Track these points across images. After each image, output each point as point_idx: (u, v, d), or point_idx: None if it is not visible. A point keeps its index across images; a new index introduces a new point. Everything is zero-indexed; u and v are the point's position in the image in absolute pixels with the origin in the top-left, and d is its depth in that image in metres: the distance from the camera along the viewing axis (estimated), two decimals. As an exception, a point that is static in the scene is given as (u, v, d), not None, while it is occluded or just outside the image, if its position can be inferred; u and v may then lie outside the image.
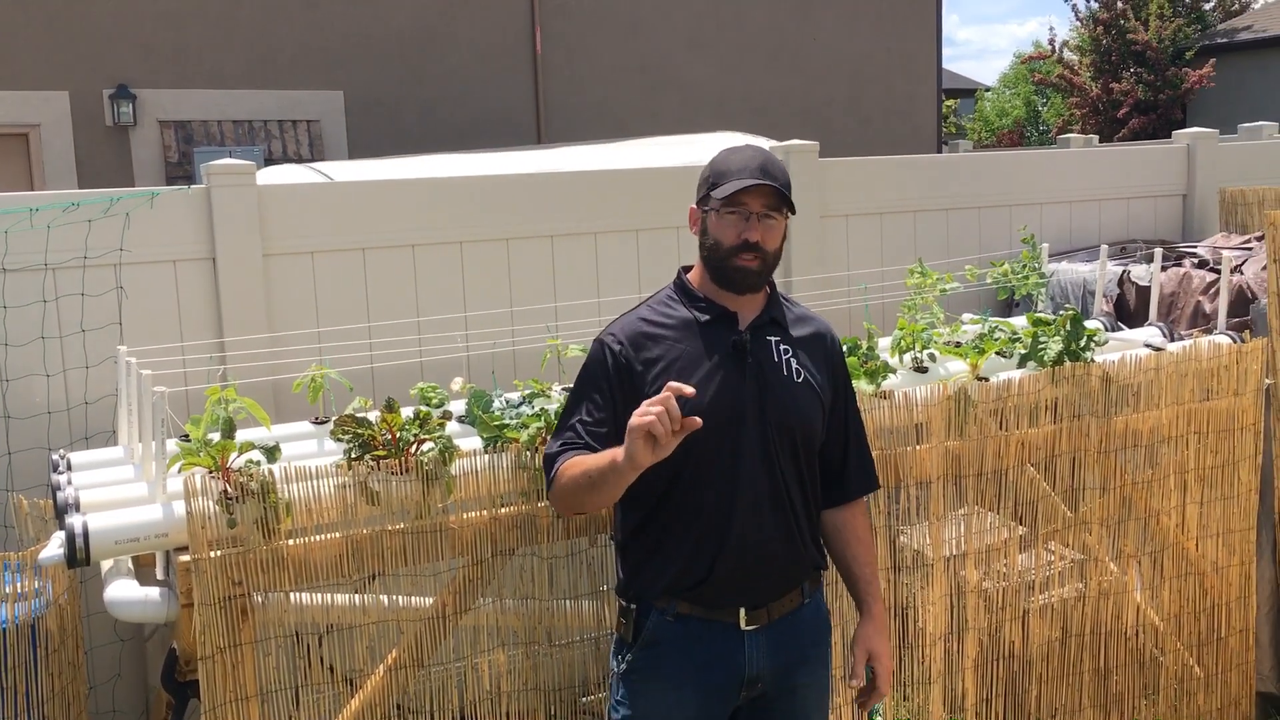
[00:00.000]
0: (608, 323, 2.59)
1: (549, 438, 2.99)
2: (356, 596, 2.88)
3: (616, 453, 2.25)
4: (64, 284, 3.96)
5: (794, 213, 2.49)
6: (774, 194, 2.42)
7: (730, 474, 2.43)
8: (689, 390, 2.16)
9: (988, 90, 34.10)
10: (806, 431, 2.51)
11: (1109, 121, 19.96)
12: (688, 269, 2.60)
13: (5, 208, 3.87)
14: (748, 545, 2.44)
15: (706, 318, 2.49)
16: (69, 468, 3.27)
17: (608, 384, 2.46)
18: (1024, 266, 4.77)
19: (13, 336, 3.89)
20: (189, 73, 10.59)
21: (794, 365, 2.51)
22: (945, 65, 20.90)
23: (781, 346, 2.52)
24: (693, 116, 12.21)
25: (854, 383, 2.84)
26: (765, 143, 5.62)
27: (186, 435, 2.90)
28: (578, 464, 2.39)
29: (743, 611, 2.48)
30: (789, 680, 2.55)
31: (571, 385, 2.60)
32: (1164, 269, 5.11)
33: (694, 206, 2.54)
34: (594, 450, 2.41)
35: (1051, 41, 22.08)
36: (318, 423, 3.45)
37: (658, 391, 2.39)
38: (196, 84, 10.61)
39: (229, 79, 10.73)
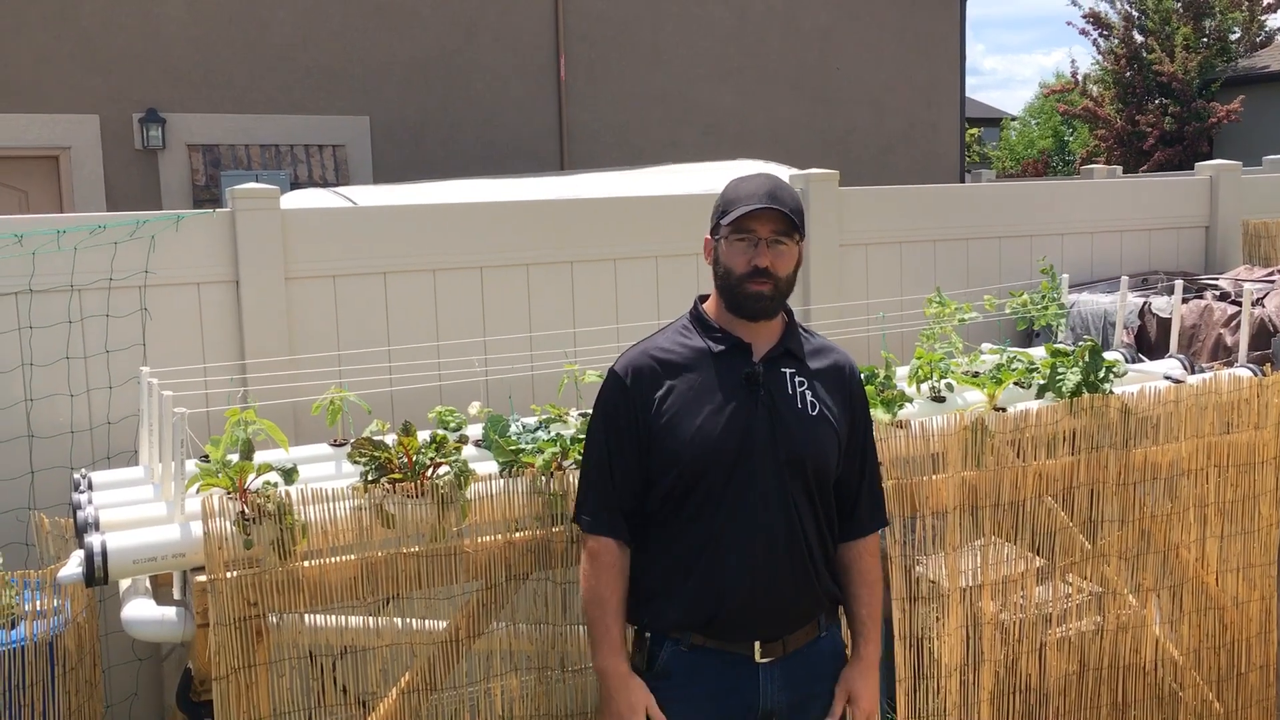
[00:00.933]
0: (625, 349, 2.61)
1: (564, 462, 3.01)
2: (371, 619, 2.89)
3: (601, 661, 2.47)
4: (89, 305, 4.00)
5: (803, 238, 2.50)
6: (782, 219, 2.43)
7: (740, 507, 2.42)
8: None
9: (1013, 119, 34.07)
10: (819, 465, 2.50)
11: (1134, 153, 19.89)
12: (704, 298, 2.62)
13: (33, 229, 3.93)
14: (759, 580, 2.43)
15: (720, 348, 2.50)
16: (90, 487, 3.30)
17: (624, 420, 2.49)
18: (1044, 297, 4.76)
19: (38, 356, 3.93)
20: (217, 97, 10.72)
21: (809, 398, 2.51)
22: (970, 94, 20.92)
23: (797, 379, 2.52)
24: (715, 144, 12.25)
25: (871, 411, 2.84)
26: (785, 171, 5.64)
27: (206, 456, 2.93)
28: (603, 599, 2.49)
29: (757, 644, 2.48)
30: (803, 714, 2.54)
31: (588, 411, 2.62)
32: (1185, 301, 5.09)
33: (708, 237, 2.55)
34: (625, 503, 2.50)
35: (1074, 74, 22.05)
36: (336, 445, 3.47)
37: (668, 423, 2.42)
38: (224, 108, 10.74)
39: (256, 103, 10.85)
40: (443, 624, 2.96)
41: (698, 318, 2.57)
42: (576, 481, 2.76)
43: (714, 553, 2.43)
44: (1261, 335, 4.76)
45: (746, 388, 2.46)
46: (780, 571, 2.45)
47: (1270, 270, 5.61)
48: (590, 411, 2.63)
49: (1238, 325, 4.65)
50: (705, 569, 2.44)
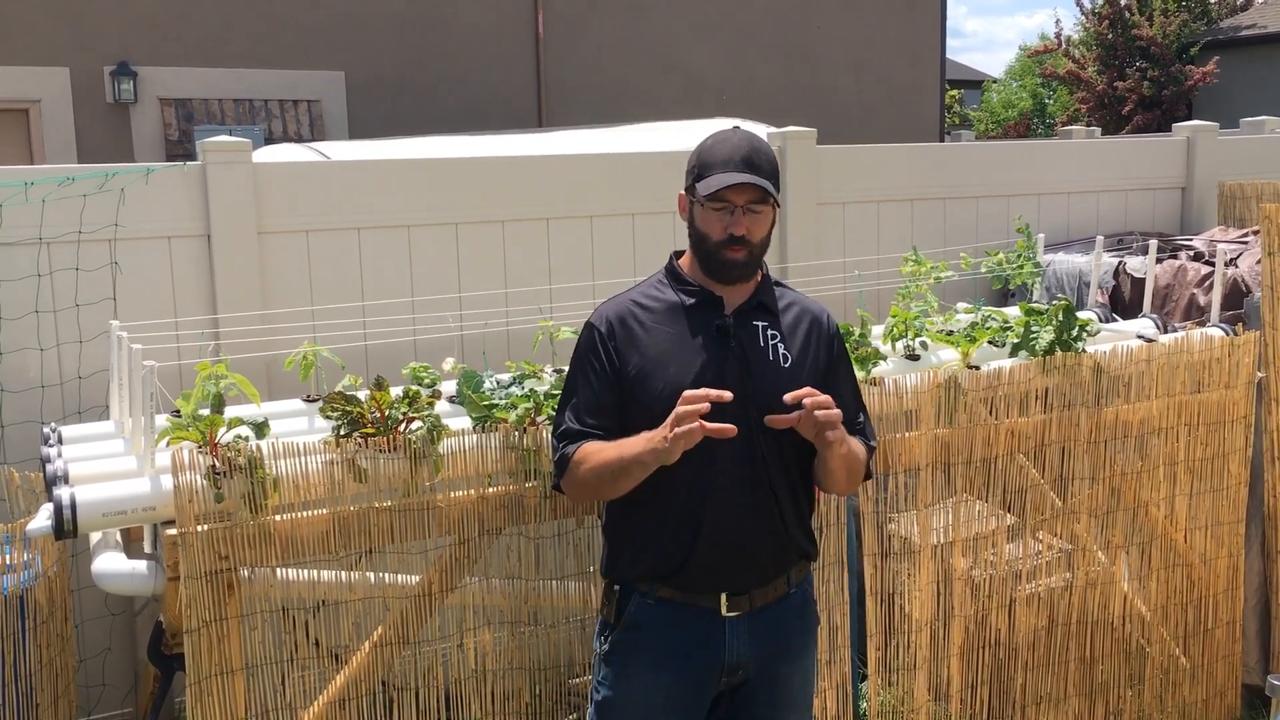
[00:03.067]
0: (600, 305, 2.60)
1: (538, 418, 3.00)
2: (343, 573, 2.89)
3: (640, 446, 2.31)
4: (59, 259, 3.95)
5: (779, 205, 2.49)
6: (759, 188, 2.42)
7: (709, 460, 2.40)
8: (726, 395, 2.27)
9: (994, 82, 33.98)
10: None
11: (1114, 117, 19.89)
12: (680, 254, 2.61)
13: (1, 181, 3.86)
14: (725, 533, 2.43)
15: (692, 301, 2.50)
16: (59, 440, 3.28)
17: (600, 364, 2.47)
18: (1019, 256, 4.78)
19: (7, 310, 3.89)
20: (190, 51, 10.55)
21: (781, 350, 2.50)
22: (952, 56, 20.81)
23: (769, 331, 2.51)
24: (695, 102, 12.17)
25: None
26: (763, 129, 5.61)
27: (177, 410, 2.91)
28: (596, 453, 2.40)
29: (724, 597, 2.47)
30: (771, 669, 2.54)
31: (563, 368, 2.60)
32: (1159, 261, 5.11)
33: (682, 193, 2.54)
34: (601, 436, 2.43)
35: (1058, 35, 21.99)
36: (309, 400, 3.46)
37: (641, 376, 2.42)
38: (197, 62, 10.57)
39: (230, 57, 10.69)
40: (415, 578, 2.96)
41: (672, 273, 2.57)
42: (549, 438, 2.75)
43: (682, 506, 2.43)
44: (1234, 295, 4.79)
45: (717, 340, 2.46)
46: (748, 525, 2.45)
47: (1245, 231, 5.63)
48: (564, 368, 2.62)
49: (1211, 285, 4.67)
50: (673, 521, 2.44)
